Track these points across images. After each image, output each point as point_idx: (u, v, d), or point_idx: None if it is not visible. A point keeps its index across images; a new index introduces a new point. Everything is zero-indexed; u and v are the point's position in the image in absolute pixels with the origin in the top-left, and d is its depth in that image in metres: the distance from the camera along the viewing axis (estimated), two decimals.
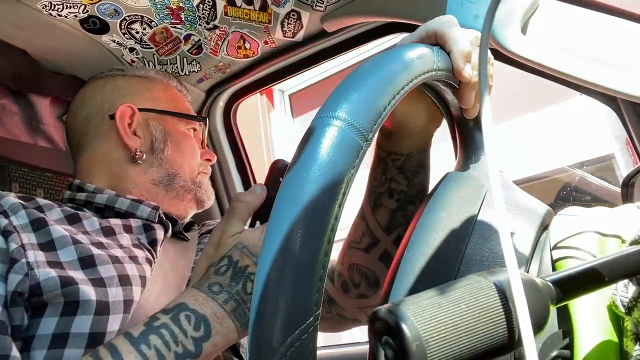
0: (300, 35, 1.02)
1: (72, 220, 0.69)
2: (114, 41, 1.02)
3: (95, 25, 0.96)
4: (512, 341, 0.28)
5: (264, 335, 0.29)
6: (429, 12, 0.76)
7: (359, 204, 0.75)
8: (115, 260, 0.65)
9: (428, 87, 0.54)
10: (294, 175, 0.33)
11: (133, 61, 1.08)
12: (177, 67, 1.12)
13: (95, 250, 0.64)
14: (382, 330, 0.27)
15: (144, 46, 1.05)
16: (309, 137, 0.34)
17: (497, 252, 0.43)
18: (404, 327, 0.26)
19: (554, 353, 0.38)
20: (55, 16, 0.92)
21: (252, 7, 0.95)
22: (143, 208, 0.79)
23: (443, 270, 0.42)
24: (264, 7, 0.95)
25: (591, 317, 0.37)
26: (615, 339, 0.37)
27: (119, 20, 0.96)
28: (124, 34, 1.00)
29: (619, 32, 0.59)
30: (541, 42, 0.63)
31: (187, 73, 1.14)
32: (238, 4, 0.95)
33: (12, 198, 0.64)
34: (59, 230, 0.63)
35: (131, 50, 1.06)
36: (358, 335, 1.14)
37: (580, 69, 0.58)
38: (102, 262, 0.63)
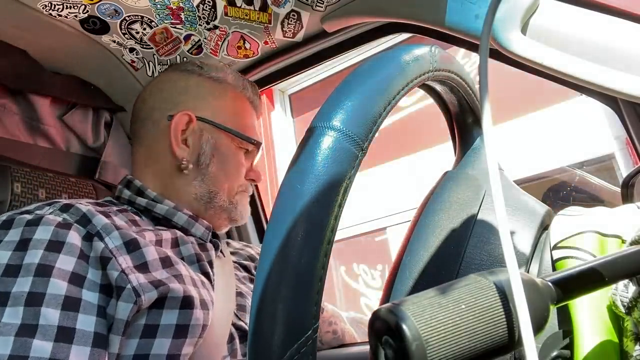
0: (300, 36, 1.02)
1: (158, 243, 0.71)
2: (114, 41, 1.02)
3: (96, 25, 0.96)
4: (512, 341, 0.28)
5: (262, 350, 0.29)
6: (429, 12, 0.76)
7: (357, 207, 0.75)
8: (194, 283, 0.68)
9: (426, 87, 0.54)
10: (289, 188, 0.32)
11: (133, 61, 1.08)
12: None
13: (183, 271, 0.68)
14: (383, 330, 0.27)
15: (144, 46, 1.05)
16: (303, 148, 0.34)
17: (496, 255, 0.42)
18: (404, 327, 0.26)
19: (554, 353, 0.38)
20: (55, 16, 0.92)
21: (252, 8, 0.95)
22: (198, 226, 0.80)
23: (442, 274, 0.42)
24: (264, 8, 0.95)
25: (591, 317, 0.37)
26: (615, 339, 0.37)
27: (119, 21, 0.96)
28: (124, 34, 1.00)
29: (619, 32, 0.59)
30: (541, 42, 0.63)
31: None
32: (238, 4, 0.95)
33: (102, 217, 0.65)
34: (152, 252, 0.66)
35: (131, 50, 1.06)
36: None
37: (580, 69, 0.58)
38: (188, 283, 0.67)
